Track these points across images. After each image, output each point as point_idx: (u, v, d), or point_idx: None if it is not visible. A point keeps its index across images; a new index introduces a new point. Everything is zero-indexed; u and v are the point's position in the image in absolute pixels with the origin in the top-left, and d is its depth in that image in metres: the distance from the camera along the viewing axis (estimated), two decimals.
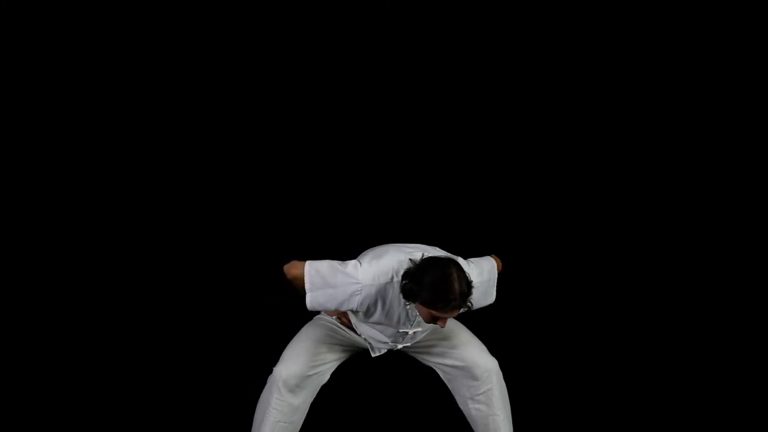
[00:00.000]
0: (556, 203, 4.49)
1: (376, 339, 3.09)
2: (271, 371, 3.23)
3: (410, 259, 2.76)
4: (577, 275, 4.49)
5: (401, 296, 2.79)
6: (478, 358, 3.17)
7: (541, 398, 4.10)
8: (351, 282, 2.83)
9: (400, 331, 2.97)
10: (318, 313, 3.28)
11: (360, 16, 4.40)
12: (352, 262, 2.91)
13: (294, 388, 3.11)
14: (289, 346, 3.20)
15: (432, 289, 2.66)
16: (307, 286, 2.85)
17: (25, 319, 4.27)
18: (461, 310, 2.74)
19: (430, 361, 3.25)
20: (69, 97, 4.31)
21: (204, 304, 4.41)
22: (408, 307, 2.87)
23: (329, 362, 3.18)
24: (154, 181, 4.40)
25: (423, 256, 2.78)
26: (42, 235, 4.32)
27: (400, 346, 3.11)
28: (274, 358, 4.39)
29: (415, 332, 3.02)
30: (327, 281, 2.81)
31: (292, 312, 4.47)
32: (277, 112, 4.46)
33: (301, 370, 3.11)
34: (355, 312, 2.95)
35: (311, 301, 2.87)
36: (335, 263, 2.90)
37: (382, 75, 4.45)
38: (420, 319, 2.90)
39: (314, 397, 3.23)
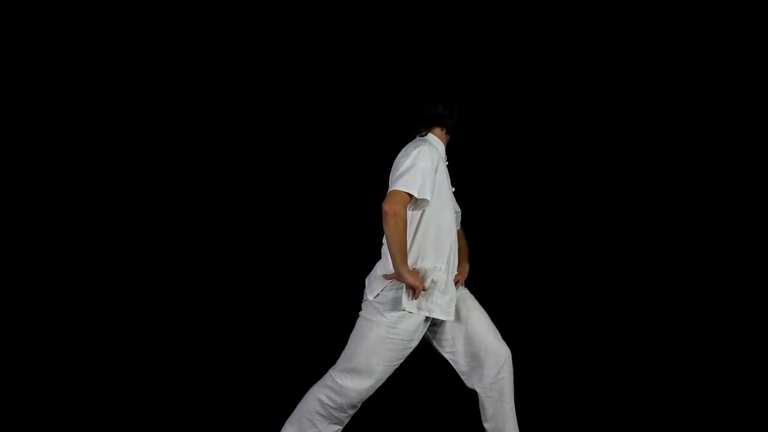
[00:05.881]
0: (558, 202, 4.49)
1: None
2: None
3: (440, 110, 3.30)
4: (575, 273, 4.50)
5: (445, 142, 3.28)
6: (497, 346, 3.28)
7: (538, 395, 4.11)
8: (419, 154, 3.07)
9: (452, 191, 3.27)
10: (360, 308, 3.29)
11: (360, 13, 4.40)
12: (404, 157, 3.11)
13: (359, 403, 3.26)
14: (363, 361, 3.19)
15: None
16: (417, 193, 3.02)
17: (37, 321, 4.27)
18: None
19: (451, 349, 3.31)
20: (69, 97, 4.29)
21: (204, 304, 4.41)
22: (446, 160, 3.24)
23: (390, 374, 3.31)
24: (154, 182, 4.39)
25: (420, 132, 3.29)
26: (44, 237, 4.30)
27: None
28: (275, 359, 4.42)
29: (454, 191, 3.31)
30: (415, 175, 3.03)
31: (292, 312, 4.50)
32: (277, 111, 4.45)
33: (372, 390, 3.24)
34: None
35: (425, 194, 3.04)
36: (397, 172, 3.08)
37: (382, 73, 4.44)
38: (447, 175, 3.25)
39: None
